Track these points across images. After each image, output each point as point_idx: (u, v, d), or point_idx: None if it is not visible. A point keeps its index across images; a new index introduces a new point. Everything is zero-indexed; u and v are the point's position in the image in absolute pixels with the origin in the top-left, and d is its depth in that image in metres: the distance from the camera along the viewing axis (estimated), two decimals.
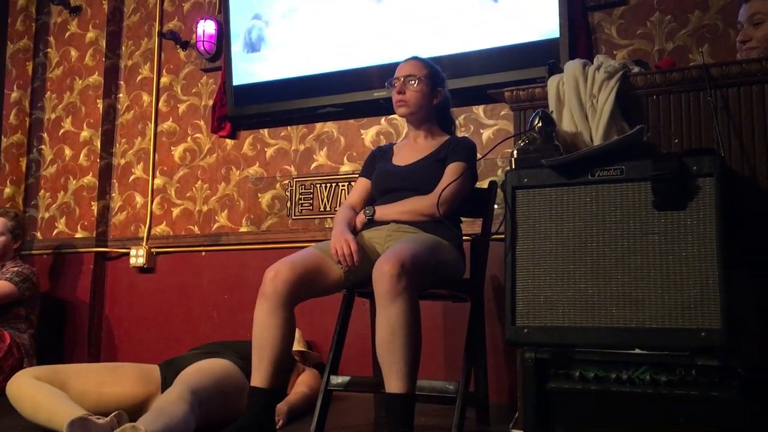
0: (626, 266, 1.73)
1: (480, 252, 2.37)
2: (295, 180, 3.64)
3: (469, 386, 2.21)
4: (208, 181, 3.88)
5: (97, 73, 4.13)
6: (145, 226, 3.94)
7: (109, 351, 3.93)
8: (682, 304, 1.66)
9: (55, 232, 4.11)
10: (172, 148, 4.00)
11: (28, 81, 4.34)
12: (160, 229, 3.94)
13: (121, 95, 4.18)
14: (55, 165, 4.19)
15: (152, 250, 3.90)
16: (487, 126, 3.27)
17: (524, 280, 1.83)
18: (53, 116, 4.24)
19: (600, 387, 1.70)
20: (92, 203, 4.02)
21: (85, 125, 4.13)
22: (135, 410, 2.23)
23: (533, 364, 1.76)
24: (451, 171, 2.32)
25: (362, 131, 3.54)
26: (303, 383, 2.72)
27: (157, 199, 3.98)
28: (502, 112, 3.20)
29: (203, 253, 3.79)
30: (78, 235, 4.03)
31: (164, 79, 4.07)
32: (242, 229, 3.74)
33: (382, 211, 2.33)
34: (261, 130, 3.78)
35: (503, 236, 1.90)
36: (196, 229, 3.85)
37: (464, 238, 2.40)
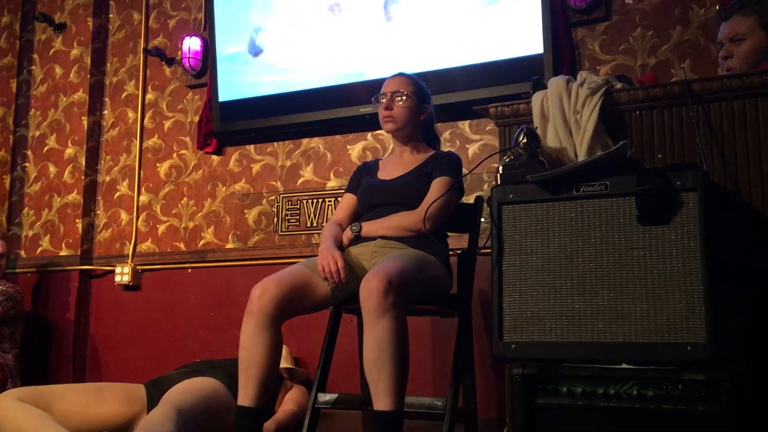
0: (612, 281, 1.74)
1: (467, 267, 2.37)
2: (281, 196, 3.64)
3: (458, 402, 2.21)
4: (194, 198, 3.86)
5: (81, 90, 4.12)
6: (130, 244, 3.92)
7: (95, 370, 3.89)
8: (667, 319, 1.67)
9: (39, 250, 4.07)
10: (157, 164, 3.98)
11: (12, 98, 4.32)
12: (146, 246, 3.92)
13: (106, 112, 4.16)
14: (40, 182, 4.16)
15: (138, 267, 3.87)
16: (472, 141, 3.28)
17: (511, 295, 1.84)
18: (37, 133, 4.22)
19: (587, 402, 1.70)
20: (77, 221, 4.00)
21: (69, 142, 4.11)
22: (120, 431, 2.21)
23: (521, 379, 1.76)
24: (437, 186, 2.33)
25: (348, 147, 3.55)
26: (291, 400, 2.71)
27: (142, 216, 3.96)
28: (488, 127, 3.22)
29: (189, 270, 3.77)
30: (62, 253, 3.99)
31: (149, 96, 4.06)
32: (229, 246, 3.72)
33: (369, 227, 2.33)
34: (247, 146, 3.77)
35: (490, 251, 1.91)
36: (182, 246, 3.83)
37: (451, 253, 2.41)
